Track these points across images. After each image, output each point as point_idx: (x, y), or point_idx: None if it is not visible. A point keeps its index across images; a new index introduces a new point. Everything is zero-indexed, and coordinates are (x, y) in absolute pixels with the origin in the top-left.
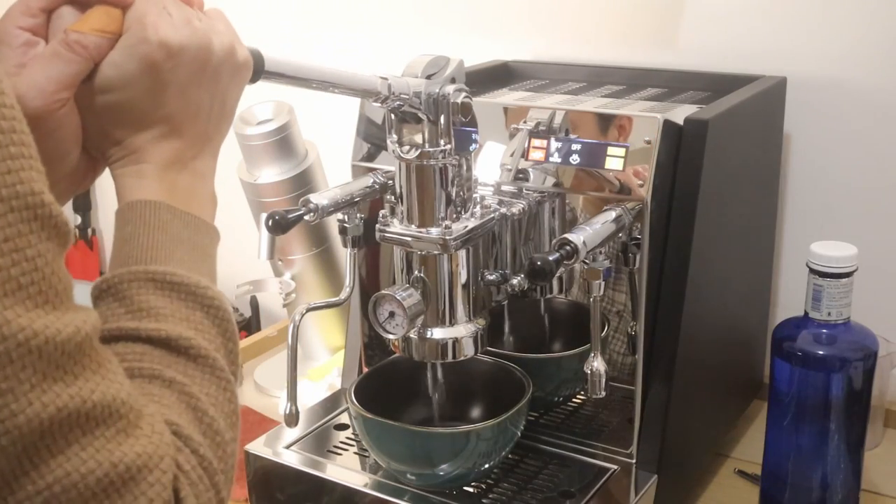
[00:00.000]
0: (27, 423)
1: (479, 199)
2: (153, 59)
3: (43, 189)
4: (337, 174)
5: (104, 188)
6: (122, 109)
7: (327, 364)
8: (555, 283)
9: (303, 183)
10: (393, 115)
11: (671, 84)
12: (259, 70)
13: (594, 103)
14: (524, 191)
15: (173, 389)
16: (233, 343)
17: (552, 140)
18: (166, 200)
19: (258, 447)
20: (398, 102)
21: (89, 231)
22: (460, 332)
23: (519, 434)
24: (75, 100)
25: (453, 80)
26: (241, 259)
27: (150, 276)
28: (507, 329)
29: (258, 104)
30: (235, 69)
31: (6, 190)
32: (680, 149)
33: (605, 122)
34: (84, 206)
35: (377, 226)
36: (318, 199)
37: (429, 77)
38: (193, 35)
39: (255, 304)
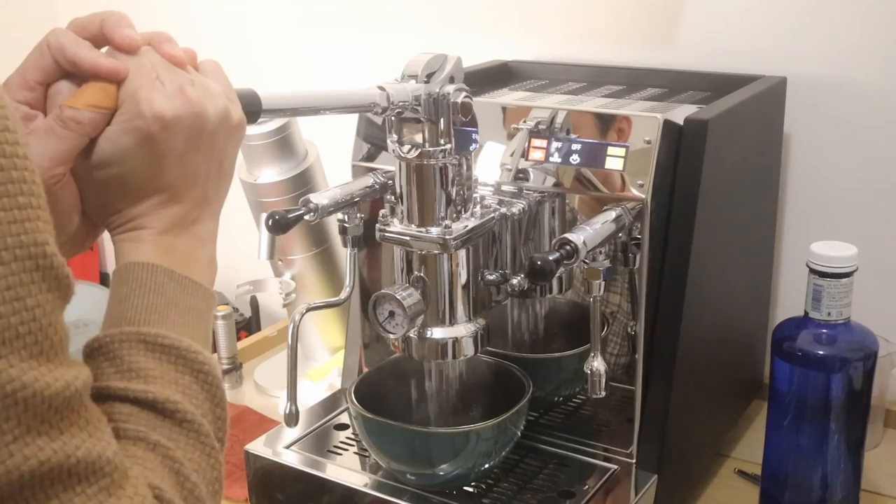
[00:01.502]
0: (6, 474)
1: (479, 199)
2: (149, 132)
3: (48, 240)
4: (337, 174)
5: None
6: (120, 182)
7: (327, 364)
8: (554, 282)
9: (303, 183)
10: (393, 116)
11: (671, 84)
12: (257, 112)
13: (594, 103)
14: (524, 191)
15: (157, 453)
16: (221, 409)
17: (552, 140)
18: (164, 263)
19: (258, 447)
20: (398, 110)
21: None
22: (460, 331)
23: (519, 434)
24: (73, 173)
25: (452, 80)
26: (241, 259)
27: (142, 337)
28: (507, 329)
29: None
30: (231, 132)
31: (11, 239)
32: (680, 149)
33: (605, 122)
34: None
35: (377, 225)
36: (318, 198)
37: (428, 76)
38: (187, 104)
39: (255, 304)
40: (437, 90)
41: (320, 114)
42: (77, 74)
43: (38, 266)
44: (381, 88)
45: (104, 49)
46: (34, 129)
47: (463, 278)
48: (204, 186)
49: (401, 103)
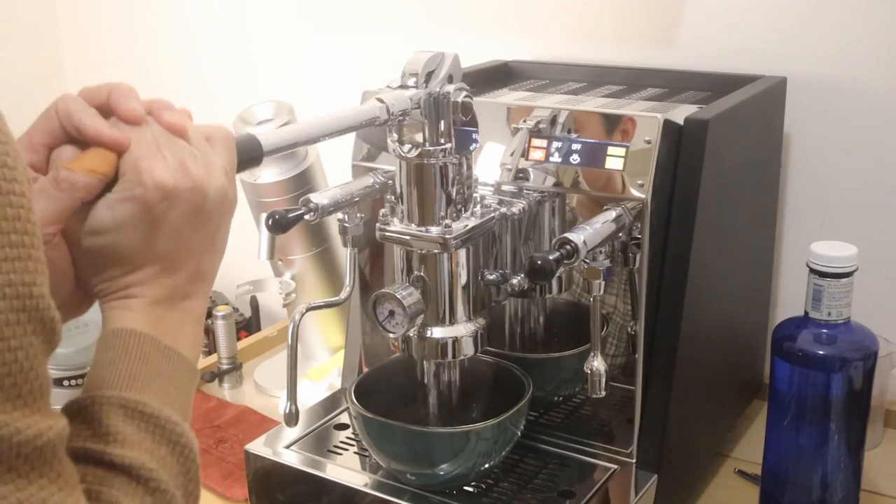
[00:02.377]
0: None
1: (479, 199)
2: (148, 201)
3: (36, 280)
4: (337, 174)
5: None
6: (114, 250)
7: (327, 364)
8: (554, 282)
9: (303, 183)
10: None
11: (671, 84)
12: (259, 157)
13: (594, 103)
14: (524, 190)
15: None
16: (194, 484)
17: (552, 140)
18: (152, 333)
19: (258, 447)
20: (399, 118)
21: None
22: (460, 331)
23: (519, 434)
24: (68, 239)
25: (451, 78)
26: (241, 259)
27: (122, 402)
28: (507, 329)
29: (258, 104)
30: (226, 209)
31: (0, 277)
32: (680, 149)
33: (605, 121)
34: None
35: (377, 225)
36: (319, 198)
37: (427, 76)
38: (188, 178)
39: (255, 304)
40: (438, 90)
41: (322, 140)
42: (81, 141)
43: (25, 307)
44: (380, 101)
45: (111, 119)
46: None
47: (463, 278)
48: (198, 261)
49: (401, 112)
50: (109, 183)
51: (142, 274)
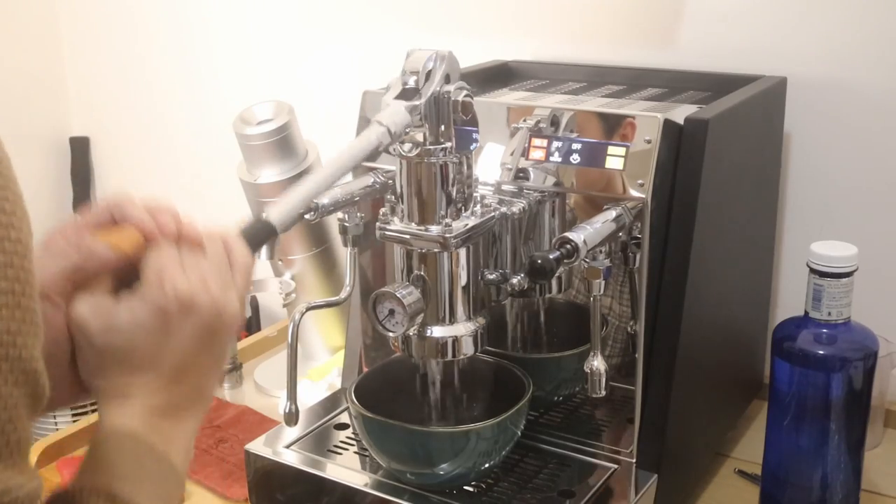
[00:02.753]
0: None
1: (479, 199)
2: (166, 310)
3: (20, 330)
4: None
5: (103, 177)
6: (125, 351)
7: (327, 364)
8: (554, 282)
9: None
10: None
11: (671, 84)
12: (275, 235)
13: (594, 103)
14: (524, 190)
15: None
16: None
17: (552, 139)
18: (148, 438)
19: (258, 447)
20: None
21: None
22: (460, 330)
23: (519, 434)
24: (78, 331)
25: (448, 78)
26: None
27: (112, 496)
28: (507, 329)
29: (258, 104)
30: (231, 332)
31: None
32: (680, 149)
33: (605, 121)
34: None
35: (378, 224)
36: (319, 198)
37: (427, 75)
38: (206, 296)
39: (255, 304)
40: (438, 89)
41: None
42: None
43: (8, 356)
44: (380, 123)
45: None
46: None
47: (463, 277)
48: (200, 379)
49: (404, 126)
50: (124, 279)
51: (145, 379)
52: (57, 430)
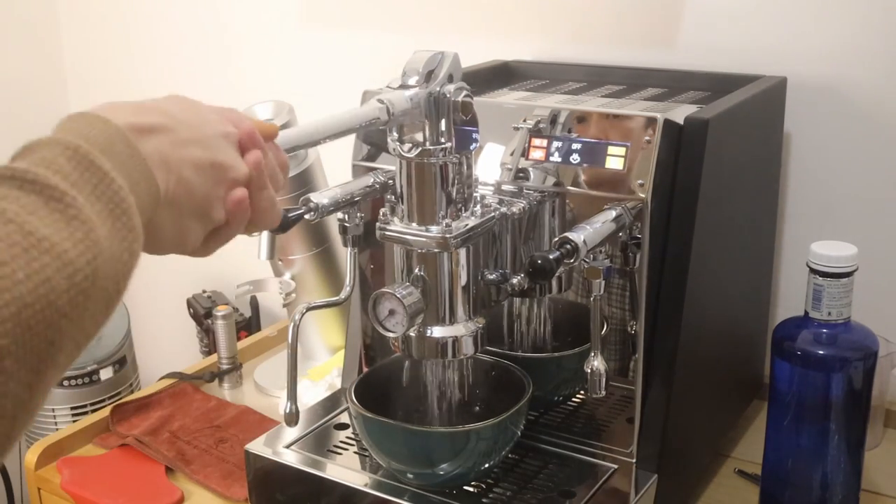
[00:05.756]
0: None
1: (479, 199)
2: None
3: None
4: (337, 174)
5: None
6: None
7: (327, 364)
8: (554, 282)
9: (303, 183)
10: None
11: (671, 84)
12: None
13: (594, 103)
14: (524, 190)
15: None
16: (133, 240)
17: (552, 139)
18: (126, 132)
19: (258, 447)
20: (400, 118)
21: None
22: (460, 330)
23: (519, 434)
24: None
25: (451, 78)
26: (241, 259)
27: (73, 147)
28: (507, 329)
29: (258, 104)
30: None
31: None
32: (680, 149)
33: (605, 121)
34: None
35: (377, 224)
36: (319, 198)
37: (427, 75)
38: (268, 199)
39: (255, 304)
40: (438, 89)
41: (323, 143)
42: None
43: None
44: (381, 102)
45: None
46: None
47: (463, 277)
48: (190, 178)
49: (402, 111)
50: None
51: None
52: (57, 430)
